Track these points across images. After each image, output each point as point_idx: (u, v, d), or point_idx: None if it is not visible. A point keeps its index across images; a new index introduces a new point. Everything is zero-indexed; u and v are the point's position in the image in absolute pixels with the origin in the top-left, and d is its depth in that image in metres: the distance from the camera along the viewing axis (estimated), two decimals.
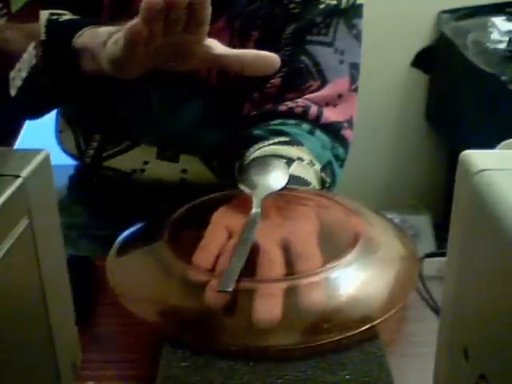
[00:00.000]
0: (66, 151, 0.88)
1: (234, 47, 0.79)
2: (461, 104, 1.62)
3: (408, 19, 1.78)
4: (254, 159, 0.70)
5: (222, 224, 0.56)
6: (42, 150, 0.41)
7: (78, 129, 0.86)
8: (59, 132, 0.89)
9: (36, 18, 0.68)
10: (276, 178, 0.62)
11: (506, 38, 1.51)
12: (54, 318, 0.42)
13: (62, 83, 0.68)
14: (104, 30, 0.63)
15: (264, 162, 0.66)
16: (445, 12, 1.77)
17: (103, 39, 0.60)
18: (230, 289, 0.48)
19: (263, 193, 0.60)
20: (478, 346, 0.36)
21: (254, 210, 0.57)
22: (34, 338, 0.40)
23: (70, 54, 0.65)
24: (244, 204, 0.59)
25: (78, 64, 0.65)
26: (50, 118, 0.89)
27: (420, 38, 1.81)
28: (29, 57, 0.57)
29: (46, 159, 0.41)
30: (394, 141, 1.96)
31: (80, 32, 0.66)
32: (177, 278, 0.52)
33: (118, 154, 0.84)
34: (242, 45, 0.77)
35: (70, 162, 0.92)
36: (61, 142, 0.89)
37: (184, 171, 0.83)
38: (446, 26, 1.71)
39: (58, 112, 0.89)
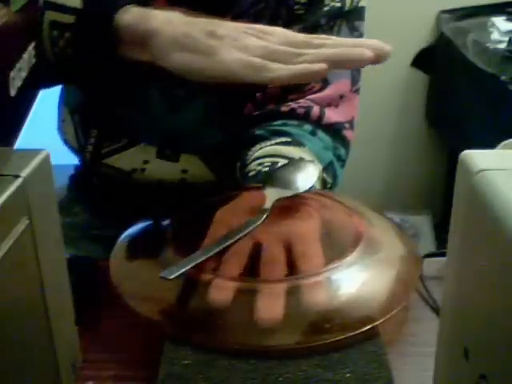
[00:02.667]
0: (66, 142, 0.88)
1: None
2: (461, 104, 1.62)
3: (408, 19, 1.78)
4: (288, 161, 0.68)
5: (225, 223, 0.56)
6: (42, 149, 0.41)
7: (77, 120, 0.85)
8: (62, 121, 0.88)
9: (36, 18, 0.68)
10: (299, 182, 0.60)
11: (506, 38, 1.51)
12: (54, 317, 0.42)
13: (87, 65, 0.59)
14: (161, 16, 0.55)
15: (295, 164, 0.65)
16: (445, 12, 1.77)
17: (180, 41, 0.54)
18: (170, 277, 0.48)
19: (278, 195, 0.58)
20: (478, 345, 0.36)
21: (262, 210, 0.57)
22: (34, 338, 0.40)
23: (109, 32, 0.55)
24: (247, 204, 0.59)
25: (115, 47, 0.56)
26: (52, 112, 0.89)
27: (420, 38, 1.81)
28: (29, 57, 0.57)
29: (46, 159, 0.41)
30: (394, 141, 1.96)
31: (125, 8, 0.56)
32: (179, 276, 0.52)
33: (116, 152, 0.83)
34: None
35: (70, 162, 0.92)
36: (63, 132, 0.88)
37: (184, 171, 0.83)
38: (446, 26, 1.71)
39: (60, 100, 0.88)
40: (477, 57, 1.49)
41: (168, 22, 0.55)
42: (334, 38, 0.56)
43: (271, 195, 0.58)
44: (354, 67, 0.52)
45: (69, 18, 0.58)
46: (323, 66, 0.51)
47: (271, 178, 0.61)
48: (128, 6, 0.56)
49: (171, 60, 0.54)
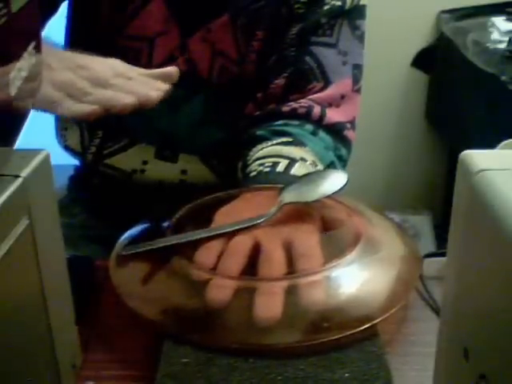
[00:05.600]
0: (67, 148, 0.88)
1: (238, 45, 0.79)
2: (461, 104, 1.62)
3: (408, 19, 1.78)
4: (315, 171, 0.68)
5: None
6: (42, 149, 0.41)
7: (84, 124, 0.85)
8: (64, 129, 0.88)
9: (36, 18, 0.67)
10: (319, 192, 0.59)
11: (506, 38, 1.51)
12: (54, 317, 0.42)
13: None
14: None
15: (321, 172, 0.65)
16: (445, 12, 1.77)
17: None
18: (123, 253, 0.55)
19: (290, 200, 0.57)
20: (477, 345, 0.36)
21: (267, 212, 0.57)
22: (34, 339, 0.40)
23: None
24: (248, 204, 0.59)
25: None
26: (50, 117, 0.89)
27: (420, 38, 1.81)
28: (29, 57, 0.57)
29: (46, 159, 0.41)
30: (394, 141, 1.96)
31: None
32: (179, 276, 0.52)
33: (117, 152, 0.83)
34: (247, 43, 0.77)
35: (70, 161, 0.92)
36: (64, 140, 0.88)
37: (184, 172, 0.83)
38: (446, 26, 1.71)
39: None
40: (477, 57, 1.49)
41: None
42: (142, 70, 0.60)
43: (283, 199, 0.57)
44: (119, 112, 0.56)
45: None
46: (94, 108, 0.54)
47: (293, 182, 0.61)
48: None
49: None
